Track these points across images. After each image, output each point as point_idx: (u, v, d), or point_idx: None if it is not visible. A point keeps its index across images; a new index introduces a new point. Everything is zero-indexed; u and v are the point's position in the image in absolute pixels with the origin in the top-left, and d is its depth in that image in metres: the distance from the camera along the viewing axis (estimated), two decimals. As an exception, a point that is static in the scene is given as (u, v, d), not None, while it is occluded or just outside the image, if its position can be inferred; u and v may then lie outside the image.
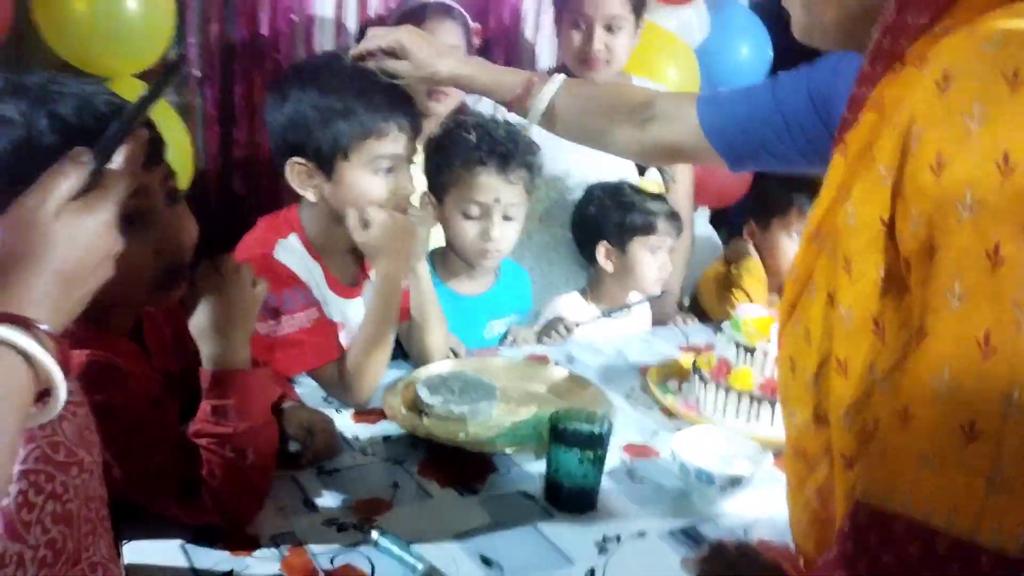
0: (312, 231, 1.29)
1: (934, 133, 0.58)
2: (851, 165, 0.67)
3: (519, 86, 1.23)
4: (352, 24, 2.18)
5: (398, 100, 1.24)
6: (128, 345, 0.95)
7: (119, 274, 0.64)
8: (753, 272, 1.93)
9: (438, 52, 1.22)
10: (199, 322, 0.94)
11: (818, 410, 0.69)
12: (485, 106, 1.84)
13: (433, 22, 1.76)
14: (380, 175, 1.22)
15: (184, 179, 1.93)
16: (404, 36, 1.20)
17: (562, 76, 1.25)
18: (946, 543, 0.55)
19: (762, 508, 1.05)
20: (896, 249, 0.61)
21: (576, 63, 1.84)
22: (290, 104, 1.21)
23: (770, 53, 2.66)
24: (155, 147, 0.84)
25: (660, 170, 1.75)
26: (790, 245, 1.93)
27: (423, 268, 1.38)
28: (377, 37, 1.21)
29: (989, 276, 0.55)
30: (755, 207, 2.06)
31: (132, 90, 1.75)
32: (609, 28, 1.80)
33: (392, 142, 1.21)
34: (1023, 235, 0.54)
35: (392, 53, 1.19)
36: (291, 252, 1.27)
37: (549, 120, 1.25)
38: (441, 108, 1.78)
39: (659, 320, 1.86)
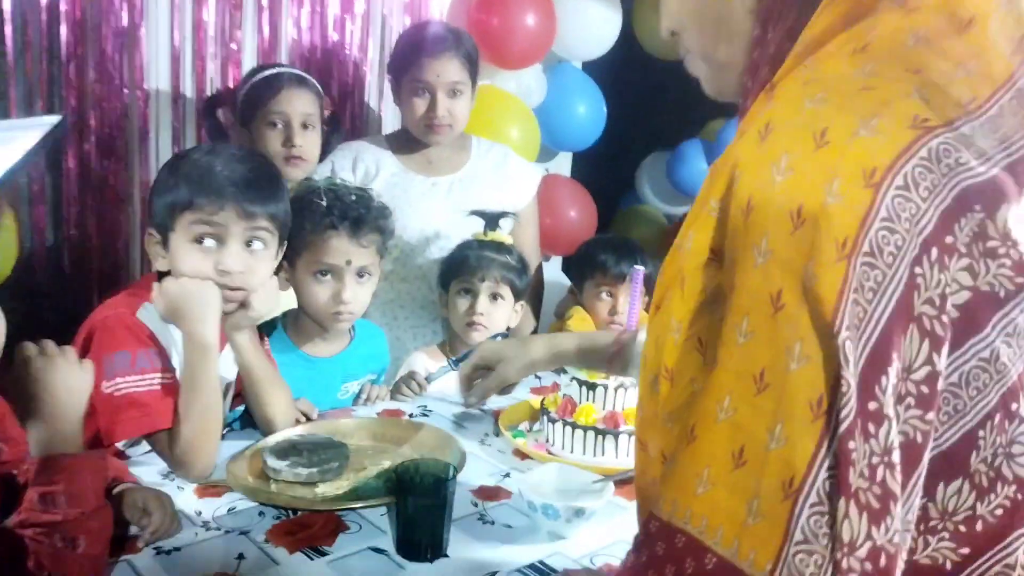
0: None
1: (748, 178, 0.61)
2: (701, 196, 0.68)
3: (611, 348, 1.24)
4: (190, 92, 2.16)
5: (236, 179, 1.25)
6: None
7: None
8: (577, 316, 2.03)
9: (522, 344, 1.26)
10: (24, 407, 0.90)
11: (657, 409, 0.70)
12: (323, 171, 1.87)
13: (289, 92, 1.78)
14: (200, 248, 1.24)
15: (8, 261, 1.82)
16: (486, 350, 1.26)
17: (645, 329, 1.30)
18: (713, 560, 0.59)
19: (608, 535, 1.10)
20: (720, 276, 0.64)
21: (421, 129, 1.91)
22: (155, 181, 1.31)
23: (604, 111, 2.85)
24: None
25: (485, 219, 1.81)
26: (601, 303, 2.06)
27: (240, 338, 1.34)
28: (464, 369, 1.28)
29: (770, 319, 0.58)
30: (571, 270, 2.17)
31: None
32: (451, 94, 1.88)
33: (208, 214, 1.23)
34: (799, 287, 0.57)
35: (486, 367, 1.24)
36: (153, 316, 1.26)
37: None
38: (298, 173, 1.79)
39: None
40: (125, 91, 2.08)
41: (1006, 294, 0.59)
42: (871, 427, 0.55)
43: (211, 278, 1.25)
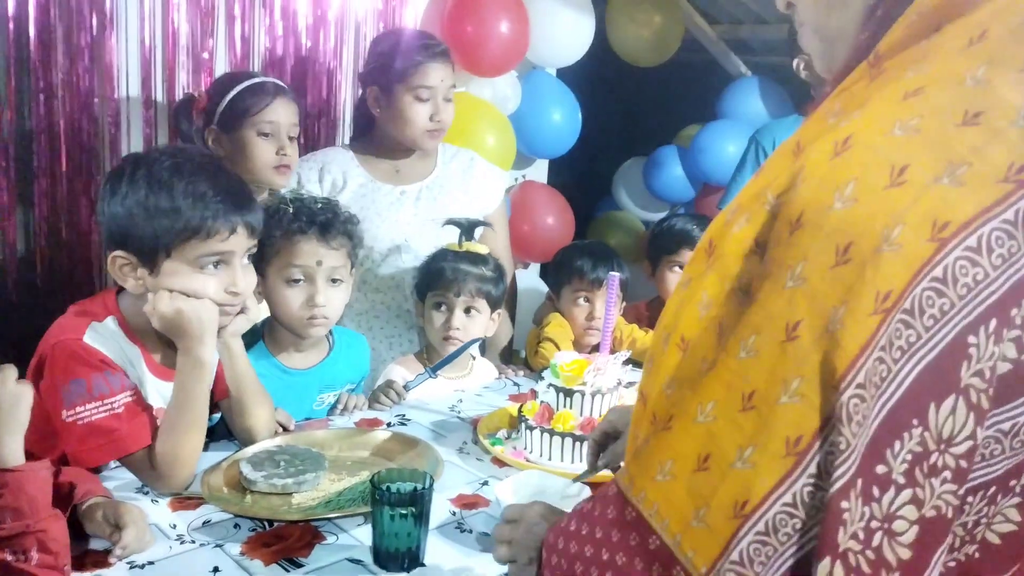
0: (131, 314, 1.26)
1: (807, 192, 0.57)
2: (763, 179, 0.65)
3: None
4: (161, 100, 2.14)
5: (234, 199, 1.22)
6: None
7: None
8: (555, 323, 2.02)
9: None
10: None
11: (663, 369, 0.69)
12: (290, 183, 1.86)
13: (280, 102, 1.77)
14: (207, 271, 1.21)
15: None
16: (615, 415, 1.15)
17: None
18: (657, 543, 0.61)
19: (585, 542, 1.09)
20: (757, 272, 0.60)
21: (422, 135, 1.90)
22: (119, 197, 1.19)
23: (579, 117, 2.86)
24: None
25: (461, 229, 1.80)
26: (578, 309, 2.04)
27: (237, 344, 1.35)
28: (593, 435, 1.17)
29: (778, 346, 0.56)
30: (548, 276, 2.16)
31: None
32: (446, 99, 1.89)
33: (220, 242, 1.20)
34: (820, 326, 0.54)
35: (615, 433, 1.14)
36: (106, 335, 1.23)
37: None
38: (285, 181, 1.79)
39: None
40: (96, 100, 2.06)
41: None
42: (875, 491, 0.53)
43: (221, 298, 1.22)
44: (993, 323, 0.53)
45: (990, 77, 0.57)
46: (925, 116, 0.56)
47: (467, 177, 2.02)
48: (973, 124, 0.55)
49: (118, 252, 1.20)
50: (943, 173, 0.54)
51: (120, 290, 1.28)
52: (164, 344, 1.29)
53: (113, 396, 1.18)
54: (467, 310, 1.73)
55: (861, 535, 0.54)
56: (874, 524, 0.54)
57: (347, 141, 2.42)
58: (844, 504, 0.53)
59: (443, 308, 1.73)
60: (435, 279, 1.73)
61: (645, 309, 2.27)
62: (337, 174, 1.93)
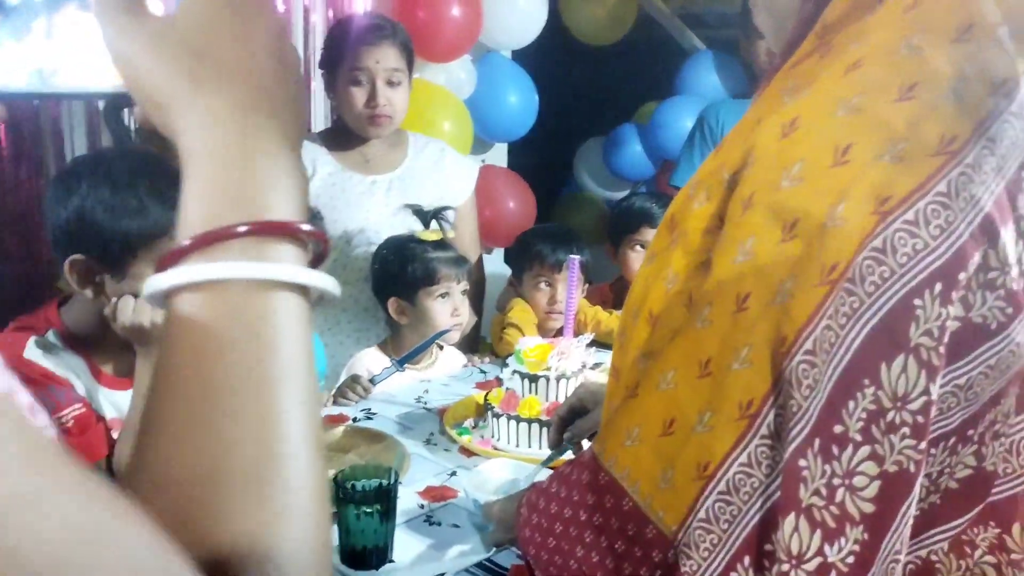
0: (76, 325, 1.21)
1: (756, 173, 0.60)
2: (720, 156, 0.66)
3: None
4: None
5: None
6: None
7: None
8: (518, 308, 2.01)
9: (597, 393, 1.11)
10: None
11: (634, 345, 0.71)
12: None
13: None
14: None
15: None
16: (584, 391, 1.12)
17: None
18: (630, 504, 0.64)
19: (555, 528, 1.09)
20: None
21: (362, 121, 1.85)
22: (76, 198, 1.12)
23: (536, 99, 2.84)
24: None
25: (439, 219, 1.76)
26: (540, 293, 2.02)
27: None
28: (560, 411, 1.12)
29: (730, 316, 0.59)
30: (511, 261, 2.15)
31: None
32: (390, 83, 1.83)
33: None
34: (768, 298, 0.58)
35: (583, 409, 1.10)
36: (47, 349, 1.18)
37: None
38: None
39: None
40: (35, 102, 1.99)
41: (997, 326, 0.58)
42: (834, 449, 0.56)
43: None
44: (939, 286, 0.56)
45: (922, 45, 0.59)
46: (866, 93, 0.58)
47: (438, 168, 1.99)
48: (908, 99, 0.58)
49: (77, 256, 1.13)
50: (884, 151, 0.57)
51: (62, 302, 1.24)
52: (115, 353, 1.25)
53: (61, 411, 1.14)
54: (463, 293, 1.75)
55: (824, 491, 0.56)
56: (836, 481, 0.56)
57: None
58: (802, 462, 0.56)
59: (446, 298, 1.71)
60: (429, 274, 1.69)
61: (609, 290, 2.27)
62: (307, 161, 1.87)
